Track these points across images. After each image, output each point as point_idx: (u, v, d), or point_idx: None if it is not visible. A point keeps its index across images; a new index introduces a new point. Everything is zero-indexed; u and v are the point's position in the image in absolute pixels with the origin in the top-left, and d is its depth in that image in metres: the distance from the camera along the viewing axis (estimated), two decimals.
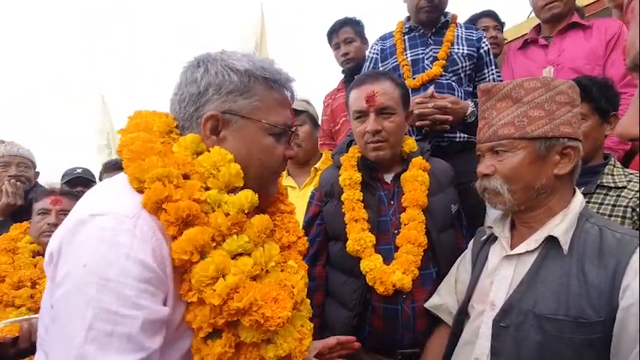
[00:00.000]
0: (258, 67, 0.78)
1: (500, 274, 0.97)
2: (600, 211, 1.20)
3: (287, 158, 0.86)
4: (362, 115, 1.27)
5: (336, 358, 1.06)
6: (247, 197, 0.74)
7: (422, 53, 1.76)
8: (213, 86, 0.76)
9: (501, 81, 1.75)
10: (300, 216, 1.47)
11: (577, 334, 0.80)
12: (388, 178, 1.34)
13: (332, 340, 1.05)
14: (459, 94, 1.68)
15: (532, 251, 0.93)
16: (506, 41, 2.65)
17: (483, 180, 0.99)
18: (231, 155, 0.75)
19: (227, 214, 0.71)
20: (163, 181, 0.66)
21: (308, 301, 0.88)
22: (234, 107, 0.76)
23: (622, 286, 0.77)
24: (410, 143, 1.38)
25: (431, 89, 1.60)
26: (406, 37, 1.83)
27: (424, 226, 1.23)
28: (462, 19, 1.86)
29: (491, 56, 1.79)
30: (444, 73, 1.69)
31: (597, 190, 1.24)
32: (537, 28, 2.03)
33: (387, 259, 1.22)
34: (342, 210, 1.29)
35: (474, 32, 1.79)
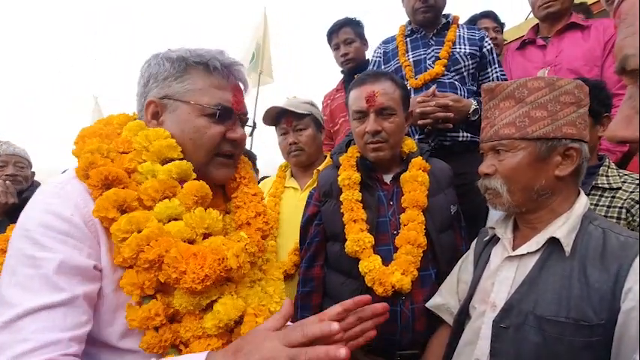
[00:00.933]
0: (193, 55, 0.83)
1: (501, 275, 0.96)
2: (595, 212, 1.20)
3: (232, 140, 0.86)
4: (362, 115, 1.27)
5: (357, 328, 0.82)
6: (177, 165, 0.78)
7: (424, 54, 1.76)
8: (152, 76, 0.83)
9: (506, 79, 1.77)
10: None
11: (577, 336, 0.79)
12: (387, 178, 1.34)
13: (334, 310, 0.70)
14: (462, 93, 1.68)
15: (534, 252, 0.92)
16: (505, 42, 2.66)
17: (485, 179, 0.99)
18: (168, 132, 0.81)
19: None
20: (94, 153, 0.73)
21: (281, 285, 0.90)
22: (170, 92, 0.82)
23: (624, 289, 0.77)
24: (409, 144, 1.37)
25: (433, 88, 1.61)
26: (408, 39, 1.85)
27: (424, 227, 1.23)
28: (461, 20, 1.87)
29: (495, 55, 1.79)
30: (446, 72, 1.69)
31: (592, 192, 1.25)
32: (535, 29, 2.04)
33: (387, 260, 1.21)
34: (341, 210, 1.28)
35: (476, 32, 1.80)
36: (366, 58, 2.37)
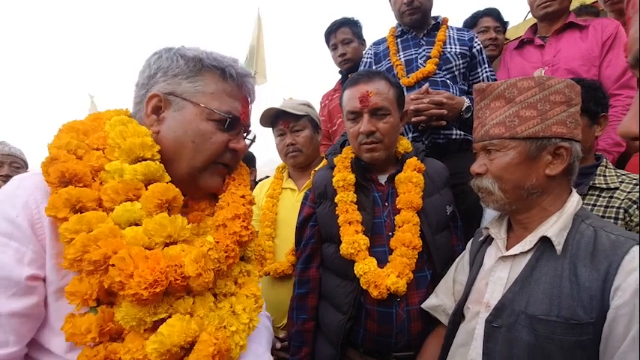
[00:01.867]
0: (210, 58, 0.80)
1: (495, 276, 0.97)
2: (593, 212, 1.20)
3: (233, 150, 0.84)
4: (355, 115, 1.26)
5: None
6: (145, 165, 0.72)
7: (415, 53, 1.79)
8: (162, 69, 0.79)
9: (495, 79, 1.79)
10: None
11: (568, 335, 0.79)
12: (382, 179, 1.33)
13: None
14: (454, 92, 1.69)
15: (527, 252, 0.93)
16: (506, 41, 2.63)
17: (477, 179, 1.00)
18: (146, 130, 0.76)
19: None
20: (60, 148, 0.69)
21: (253, 304, 0.80)
22: (178, 90, 0.78)
23: (613, 287, 0.77)
24: (404, 144, 1.36)
25: (425, 85, 1.62)
26: (399, 40, 1.87)
27: (419, 228, 1.22)
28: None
29: (484, 55, 1.82)
30: (437, 71, 1.71)
31: (590, 192, 1.24)
32: (534, 28, 2.03)
33: (382, 262, 1.21)
34: (336, 212, 1.27)
35: (466, 33, 1.83)
36: None
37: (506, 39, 2.51)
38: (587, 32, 1.80)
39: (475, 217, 1.53)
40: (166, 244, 0.70)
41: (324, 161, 1.84)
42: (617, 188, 1.20)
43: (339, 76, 2.50)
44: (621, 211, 1.16)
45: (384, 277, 1.16)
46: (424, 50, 1.77)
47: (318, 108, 2.52)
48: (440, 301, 1.16)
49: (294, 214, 1.48)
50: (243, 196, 0.84)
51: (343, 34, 2.34)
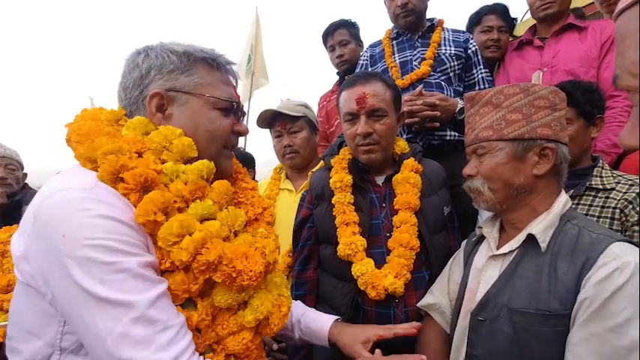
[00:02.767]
0: (196, 50, 0.82)
1: (486, 274, 0.99)
2: (590, 212, 1.21)
3: (237, 134, 0.89)
4: (352, 117, 1.26)
5: None
6: (205, 164, 0.77)
7: (410, 55, 1.80)
8: (155, 68, 0.79)
9: (491, 80, 1.82)
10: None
11: (543, 326, 0.83)
12: (380, 180, 1.33)
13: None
14: (449, 94, 1.70)
15: (514, 250, 0.95)
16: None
17: (468, 181, 1.03)
18: (180, 130, 0.77)
19: (186, 183, 0.74)
20: (116, 154, 0.68)
21: (282, 275, 0.93)
22: (177, 85, 0.80)
23: (584, 280, 0.80)
24: (401, 145, 1.36)
25: (419, 87, 1.63)
26: (394, 42, 1.88)
27: (416, 229, 1.22)
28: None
29: (480, 57, 1.82)
30: (432, 72, 1.72)
31: (586, 192, 1.25)
32: (533, 29, 2.03)
33: (379, 263, 1.21)
34: (333, 213, 1.27)
35: (461, 34, 1.84)
36: None
37: (514, 36, 2.24)
38: (586, 33, 1.80)
39: (471, 218, 1.54)
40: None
41: (322, 162, 1.84)
42: (613, 189, 1.21)
43: (337, 78, 2.50)
44: (617, 211, 1.17)
45: (381, 278, 1.16)
46: (419, 52, 1.78)
47: (315, 109, 2.53)
48: (435, 299, 1.16)
49: (292, 215, 1.48)
50: (253, 189, 0.94)
51: (341, 35, 2.35)
